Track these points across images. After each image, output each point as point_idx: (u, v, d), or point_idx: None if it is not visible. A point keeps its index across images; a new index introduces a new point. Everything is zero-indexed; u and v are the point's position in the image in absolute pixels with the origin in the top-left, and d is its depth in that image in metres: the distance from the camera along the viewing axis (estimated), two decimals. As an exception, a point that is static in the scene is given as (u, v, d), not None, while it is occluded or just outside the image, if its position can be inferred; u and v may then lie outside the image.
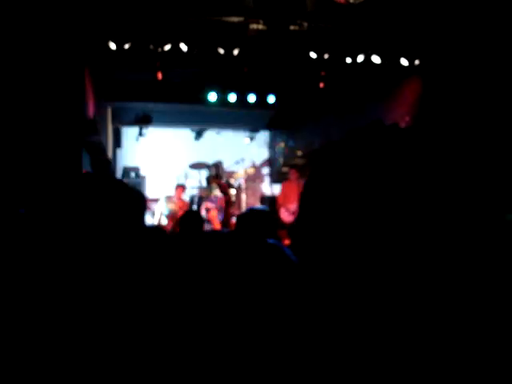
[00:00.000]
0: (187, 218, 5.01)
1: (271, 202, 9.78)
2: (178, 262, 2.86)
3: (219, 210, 9.68)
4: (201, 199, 10.00)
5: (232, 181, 10.10)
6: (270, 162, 12.00)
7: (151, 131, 11.74)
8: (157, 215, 9.48)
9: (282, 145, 12.00)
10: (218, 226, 9.33)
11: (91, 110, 8.21)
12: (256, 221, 3.20)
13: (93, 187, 1.71)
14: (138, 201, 1.81)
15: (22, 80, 6.06)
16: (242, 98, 10.06)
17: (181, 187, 9.92)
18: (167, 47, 7.76)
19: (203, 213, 9.76)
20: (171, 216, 9.25)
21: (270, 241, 2.43)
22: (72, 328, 1.48)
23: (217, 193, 9.93)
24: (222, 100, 10.04)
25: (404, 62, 8.60)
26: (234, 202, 9.88)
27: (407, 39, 8.28)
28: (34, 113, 6.28)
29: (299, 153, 10.96)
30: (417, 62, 8.60)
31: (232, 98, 10.00)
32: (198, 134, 11.92)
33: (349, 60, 8.59)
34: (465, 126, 7.22)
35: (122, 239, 1.77)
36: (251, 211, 3.43)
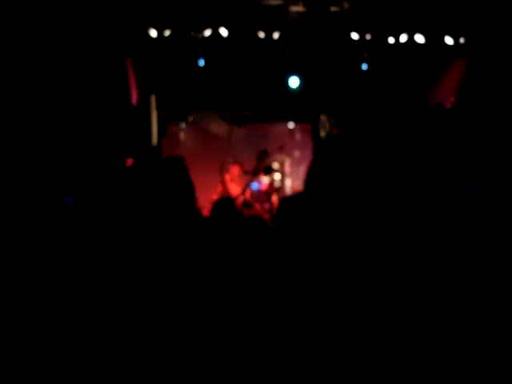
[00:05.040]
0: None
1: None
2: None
3: (263, 193, 9.78)
4: (247, 185, 10.07)
5: (275, 165, 10.10)
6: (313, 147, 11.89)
7: (195, 120, 11.82)
8: None
9: (326, 129, 11.88)
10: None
11: (135, 98, 8.32)
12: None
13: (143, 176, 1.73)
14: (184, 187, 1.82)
15: (66, 69, 6.18)
16: (283, 83, 10.02)
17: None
18: (207, 33, 7.77)
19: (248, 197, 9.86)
20: None
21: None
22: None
23: (260, 178, 9.97)
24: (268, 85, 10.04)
25: (449, 40, 8.39)
26: (278, 187, 9.93)
27: (452, 16, 8.06)
28: (79, 100, 6.41)
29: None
30: (462, 40, 8.37)
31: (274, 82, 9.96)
32: (241, 121, 11.91)
33: (391, 40, 8.44)
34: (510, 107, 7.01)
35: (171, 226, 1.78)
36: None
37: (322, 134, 11.66)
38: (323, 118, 11.63)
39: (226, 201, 5.32)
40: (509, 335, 0.93)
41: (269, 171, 9.87)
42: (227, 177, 10.20)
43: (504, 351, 0.94)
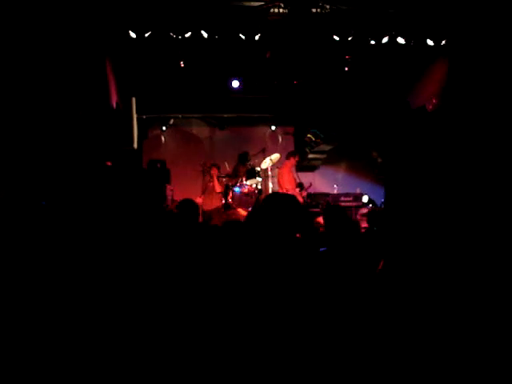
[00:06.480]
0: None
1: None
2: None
3: (245, 196, 9.73)
4: (228, 187, 9.99)
5: (257, 169, 10.04)
6: (295, 149, 11.83)
7: (176, 122, 11.75)
8: None
9: (308, 132, 11.82)
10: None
11: (114, 100, 8.20)
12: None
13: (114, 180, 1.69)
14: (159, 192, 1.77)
15: (43, 71, 6.06)
16: (264, 85, 9.99)
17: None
18: (188, 34, 7.68)
19: (230, 200, 9.79)
20: None
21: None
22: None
23: (243, 181, 9.92)
24: (246, 87, 9.99)
25: (430, 42, 8.39)
26: (260, 190, 9.89)
27: (433, 19, 8.07)
28: (56, 103, 6.29)
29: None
30: (443, 42, 8.38)
31: (253, 84, 9.91)
32: (223, 124, 11.85)
33: (373, 42, 8.41)
34: (493, 107, 7.02)
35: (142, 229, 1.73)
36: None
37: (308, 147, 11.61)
38: (306, 133, 11.54)
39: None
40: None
41: (251, 174, 9.80)
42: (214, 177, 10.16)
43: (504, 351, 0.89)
